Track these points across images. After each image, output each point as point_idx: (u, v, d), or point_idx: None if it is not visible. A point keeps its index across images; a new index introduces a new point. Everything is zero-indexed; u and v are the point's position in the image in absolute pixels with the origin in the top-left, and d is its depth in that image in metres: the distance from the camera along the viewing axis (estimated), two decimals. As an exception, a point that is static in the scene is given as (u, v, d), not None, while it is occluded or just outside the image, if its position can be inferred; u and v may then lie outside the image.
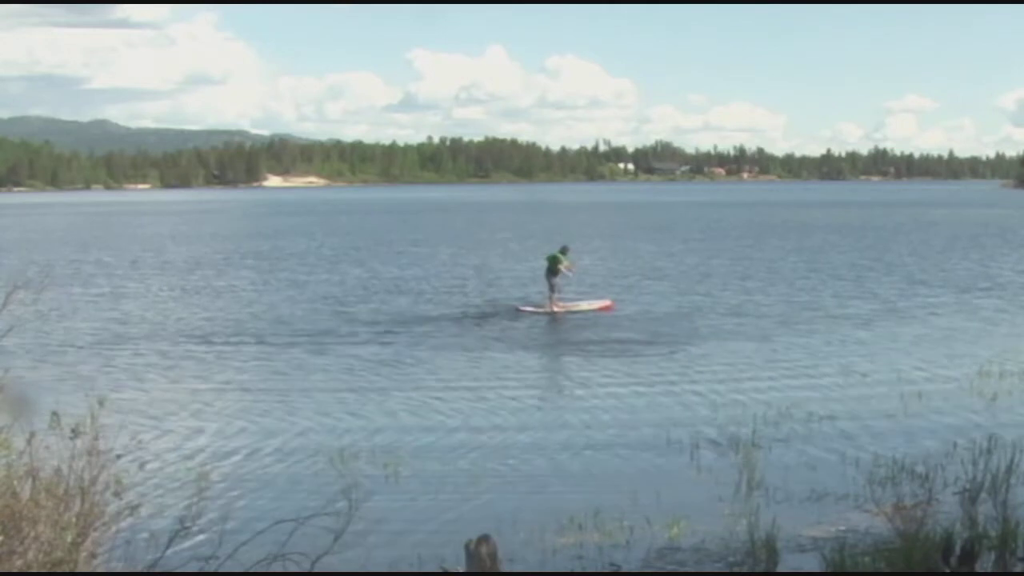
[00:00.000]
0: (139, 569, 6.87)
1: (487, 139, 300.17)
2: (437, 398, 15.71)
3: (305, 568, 6.56)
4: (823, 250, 44.77)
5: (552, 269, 25.37)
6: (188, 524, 6.44)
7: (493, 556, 6.92)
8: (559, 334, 22.55)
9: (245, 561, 6.96)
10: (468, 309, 25.84)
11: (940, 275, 33.25)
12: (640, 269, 36.07)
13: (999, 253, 42.26)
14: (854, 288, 29.76)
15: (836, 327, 22.42)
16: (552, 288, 25.26)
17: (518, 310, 25.14)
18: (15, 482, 5.83)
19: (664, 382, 16.89)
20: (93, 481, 5.89)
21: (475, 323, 23.49)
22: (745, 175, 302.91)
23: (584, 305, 25.22)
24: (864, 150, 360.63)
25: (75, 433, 5.89)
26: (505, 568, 7.49)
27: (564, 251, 25.68)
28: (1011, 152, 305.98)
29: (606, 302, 25.70)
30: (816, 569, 8.62)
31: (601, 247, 36.40)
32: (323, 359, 19.29)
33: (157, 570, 6.69)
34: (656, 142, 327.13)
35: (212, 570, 6.97)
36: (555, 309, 24.85)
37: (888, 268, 35.77)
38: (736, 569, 8.84)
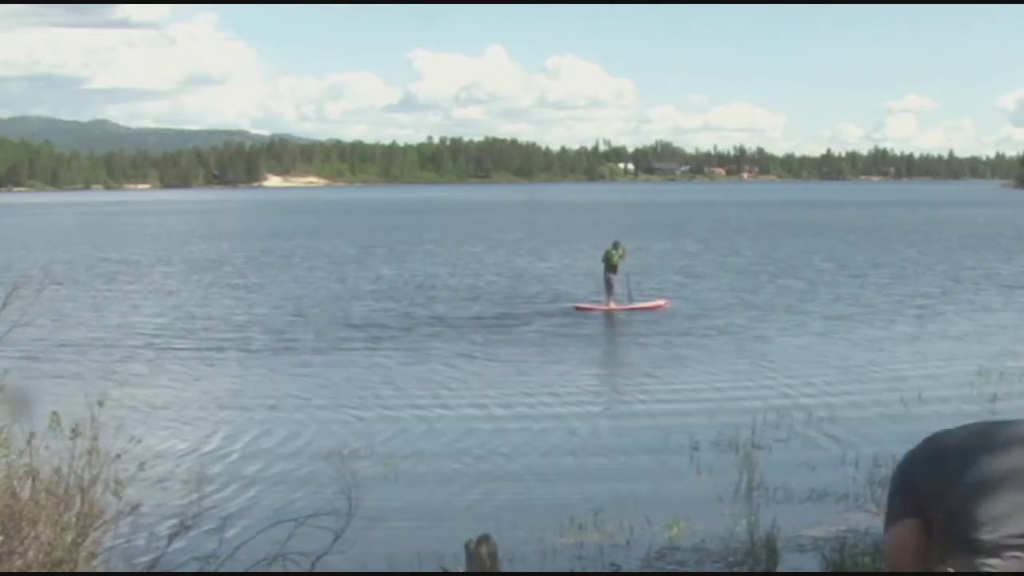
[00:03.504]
0: (139, 569, 6.87)
1: (487, 139, 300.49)
2: (441, 398, 15.71)
3: (305, 568, 6.56)
4: (836, 249, 44.75)
5: (611, 267, 25.50)
6: (188, 524, 6.44)
7: (493, 556, 6.91)
8: (596, 333, 22.70)
9: (245, 561, 6.95)
10: (509, 308, 25.91)
11: (952, 274, 33.23)
12: (668, 268, 36.08)
13: (1013, 252, 42.16)
14: (863, 288, 29.73)
15: (838, 326, 22.41)
16: (610, 286, 25.38)
17: (577, 308, 25.26)
18: (15, 482, 5.82)
19: (666, 382, 16.90)
20: (93, 481, 5.89)
21: (520, 322, 23.51)
22: (745, 175, 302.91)
23: (639, 304, 25.30)
24: (864, 150, 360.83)
25: (75, 433, 5.89)
26: (505, 568, 7.48)
27: (616, 246, 25.78)
28: (1011, 152, 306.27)
29: (660, 301, 25.84)
30: (816, 569, 8.62)
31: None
32: (334, 359, 19.27)
33: (157, 570, 6.69)
34: (656, 142, 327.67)
35: (212, 570, 6.97)
36: (611, 307, 24.99)
37: (899, 268, 35.72)
38: (736, 569, 8.84)
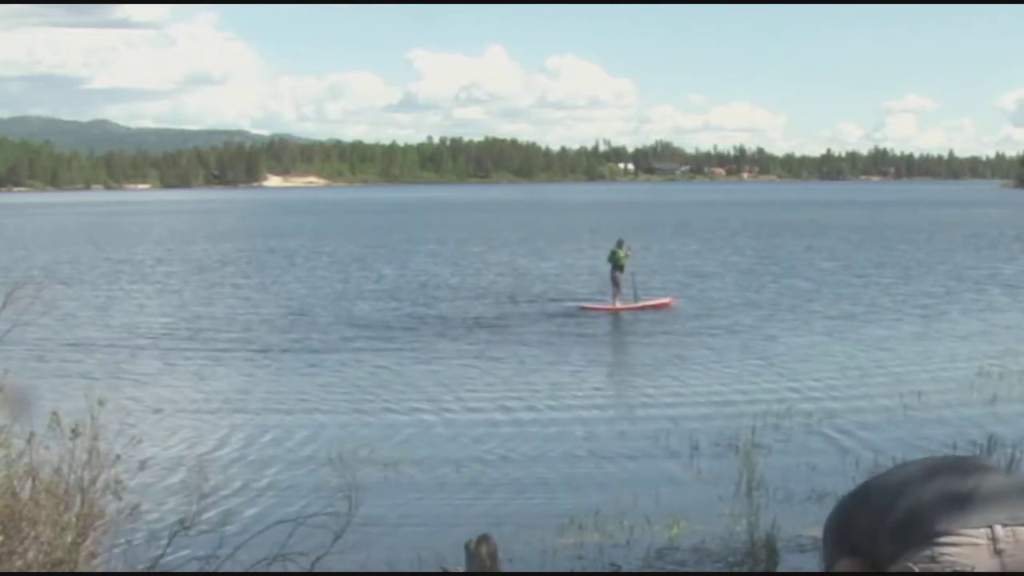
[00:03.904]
0: (139, 569, 6.87)
1: (487, 139, 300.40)
2: (443, 399, 15.70)
3: (305, 568, 6.56)
4: (839, 249, 44.71)
5: (617, 266, 25.52)
6: (188, 524, 6.44)
7: (493, 556, 6.92)
8: (601, 333, 22.58)
9: (245, 561, 6.96)
10: (514, 308, 25.87)
11: (956, 274, 33.18)
12: (671, 268, 35.96)
13: (1015, 252, 42.07)
14: (866, 287, 29.69)
15: (841, 326, 22.39)
16: (617, 286, 25.40)
17: (581, 308, 25.26)
18: (15, 482, 5.82)
19: (667, 383, 16.89)
20: (93, 481, 5.89)
21: (525, 322, 23.47)
22: (745, 175, 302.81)
23: (645, 302, 25.31)
24: (864, 150, 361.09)
25: (75, 433, 5.89)
26: (505, 568, 7.48)
27: (620, 244, 25.83)
28: (1011, 152, 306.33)
29: (667, 299, 25.87)
30: (816, 569, 8.61)
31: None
32: (337, 359, 19.21)
33: (157, 570, 6.69)
34: (656, 142, 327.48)
35: (212, 570, 6.97)
36: (617, 307, 25.02)
37: (903, 268, 35.66)
38: (736, 569, 8.84)
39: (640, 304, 25.09)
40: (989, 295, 27.89)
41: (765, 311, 24.96)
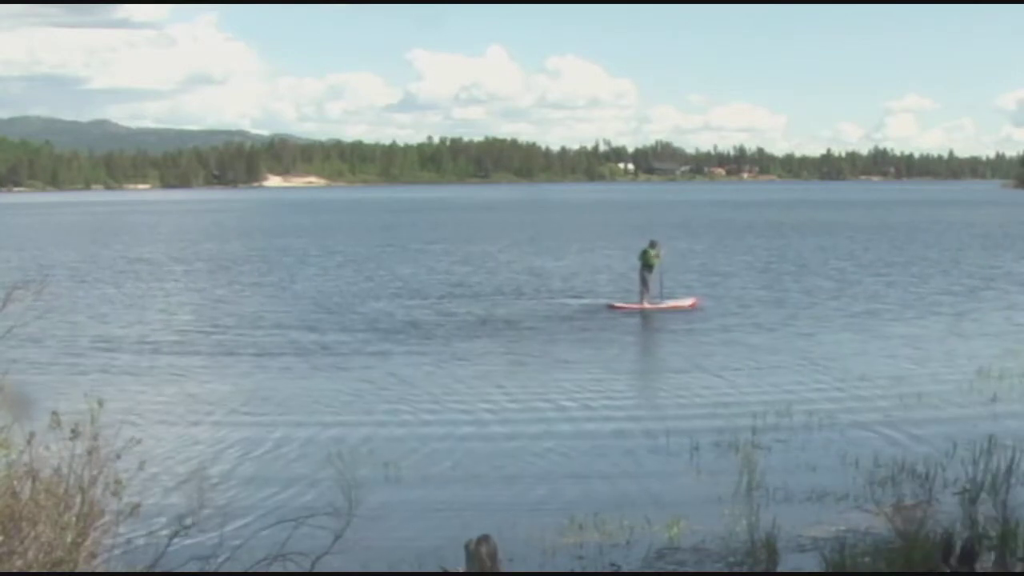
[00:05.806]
0: (139, 569, 6.87)
1: (487, 139, 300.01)
2: (446, 398, 15.70)
3: (305, 568, 6.56)
4: (847, 248, 44.67)
5: (647, 265, 25.60)
6: (188, 524, 6.45)
7: (493, 556, 6.92)
8: (622, 333, 22.52)
9: (245, 561, 6.96)
10: (535, 306, 25.88)
11: (969, 273, 33.22)
12: (686, 268, 35.87)
13: (1017, 252, 42.05)
14: (879, 287, 29.66)
15: (848, 326, 22.40)
16: (645, 285, 25.46)
17: (610, 307, 25.30)
18: (15, 482, 5.82)
19: (673, 382, 16.90)
20: (93, 481, 5.89)
21: (554, 320, 23.47)
22: (745, 175, 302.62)
23: (669, 303, 25.38)
24: (864, 150, 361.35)
25: (75, 433, 5.89)
26: (505, 568, 7.48)
27: (653, 245, 25.91)
28: (1011, 152, 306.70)
29: (689, 300, 25.95)
30: (816, 569, 8.62)
31: (631, 245, 36.42)
32: (339, 361, 19.18)
33: (157, 570, 6.69)
34: (656, 142, 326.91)
35: (212, 570, 6.97)
36: (646, 306, 25.09)
37: (917, 267, 35.64)
38: (736, 569, 8.84)
39: (665, 304, 25.18)
40: (1006, 295, 27.74)
41: (788, 310, 25.00)
